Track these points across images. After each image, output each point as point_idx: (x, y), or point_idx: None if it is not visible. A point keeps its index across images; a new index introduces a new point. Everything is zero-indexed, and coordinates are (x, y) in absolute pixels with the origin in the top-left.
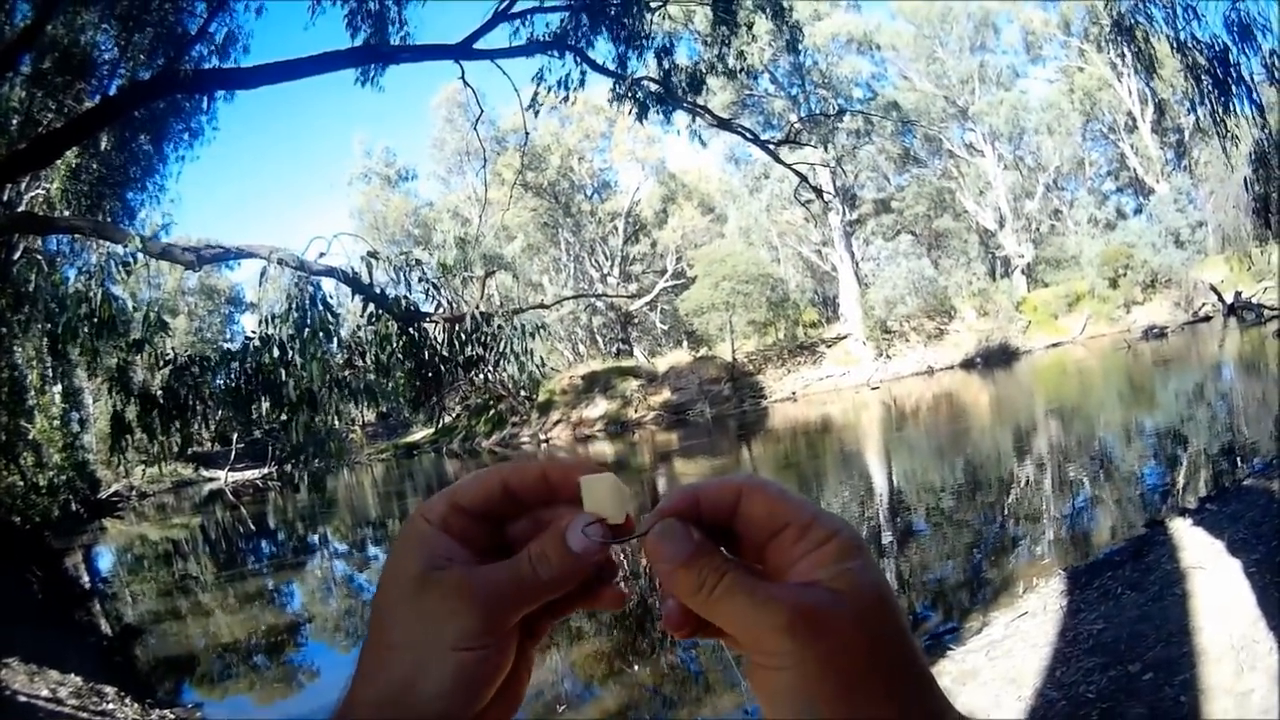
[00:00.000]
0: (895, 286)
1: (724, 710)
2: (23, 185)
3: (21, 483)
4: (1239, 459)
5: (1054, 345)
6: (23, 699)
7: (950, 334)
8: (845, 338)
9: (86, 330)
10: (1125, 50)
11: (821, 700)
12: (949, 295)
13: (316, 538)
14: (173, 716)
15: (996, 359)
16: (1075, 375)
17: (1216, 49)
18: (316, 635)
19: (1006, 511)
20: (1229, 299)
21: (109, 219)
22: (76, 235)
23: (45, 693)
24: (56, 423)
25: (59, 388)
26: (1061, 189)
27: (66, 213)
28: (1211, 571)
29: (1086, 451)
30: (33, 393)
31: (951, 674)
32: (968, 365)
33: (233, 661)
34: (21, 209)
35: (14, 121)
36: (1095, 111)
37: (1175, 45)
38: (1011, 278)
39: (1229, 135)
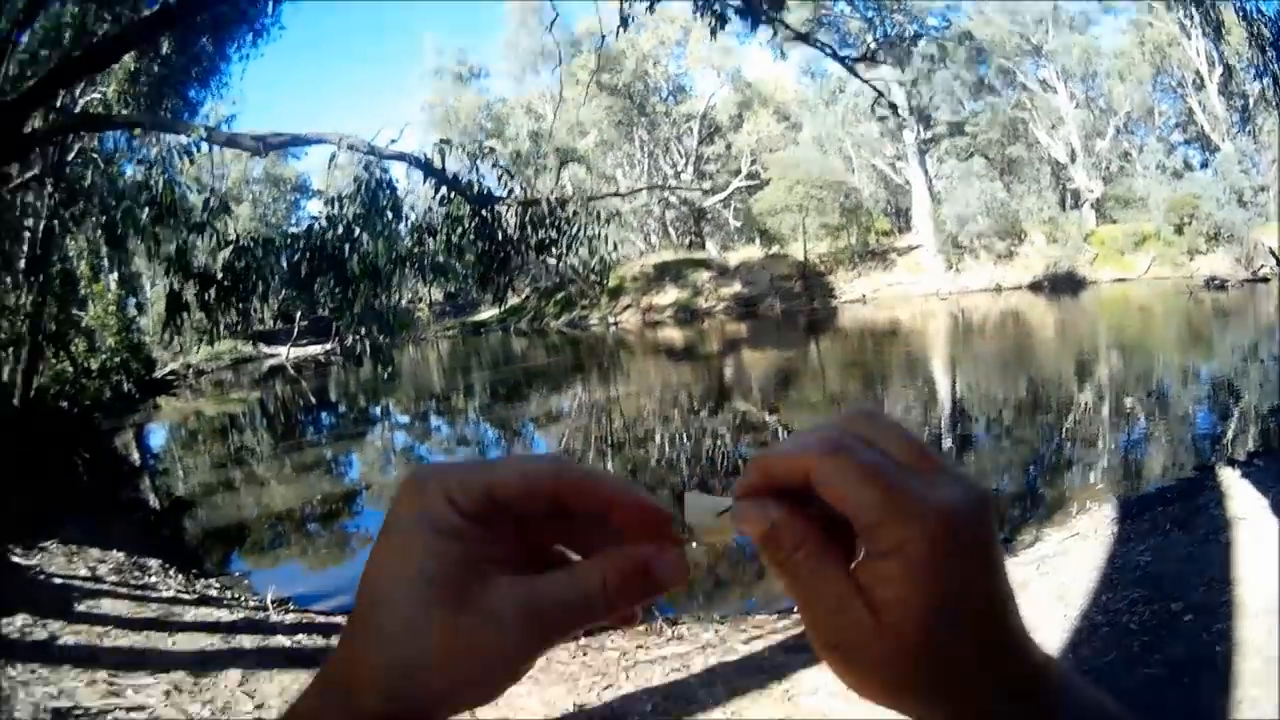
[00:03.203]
0: (968, 205)
1: (775, 595)
2: (77, 91)
3: (72, 369)
4: None
5: (1119, 280)
6: (58, 581)
7: (1019, 256)
8: (917, 248)
9: (147, 216)
10: (1193, 11)
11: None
12: (1019, 219)
13: (378, 410)
14: (218, 585)
15: (1063, 285)
16: (1138, 312)
17: None
18: (373, 503)
19: (1064, 434)
20: None
21: (170, 116)
22: (135, 131)
23: (84, 572)
24: (112, 308)
25: (115, 275)
26: (1131, 133)
27: (125, 112)
28: (1255, 525)
29: (1144, 387)
30: (84, 282)
31: None
32: (1035, 288)
33: (285, 530)
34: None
35: (66, 35)
36: (1165, 65)
37: (1241, 14)
38: (1081, 210)
39: None
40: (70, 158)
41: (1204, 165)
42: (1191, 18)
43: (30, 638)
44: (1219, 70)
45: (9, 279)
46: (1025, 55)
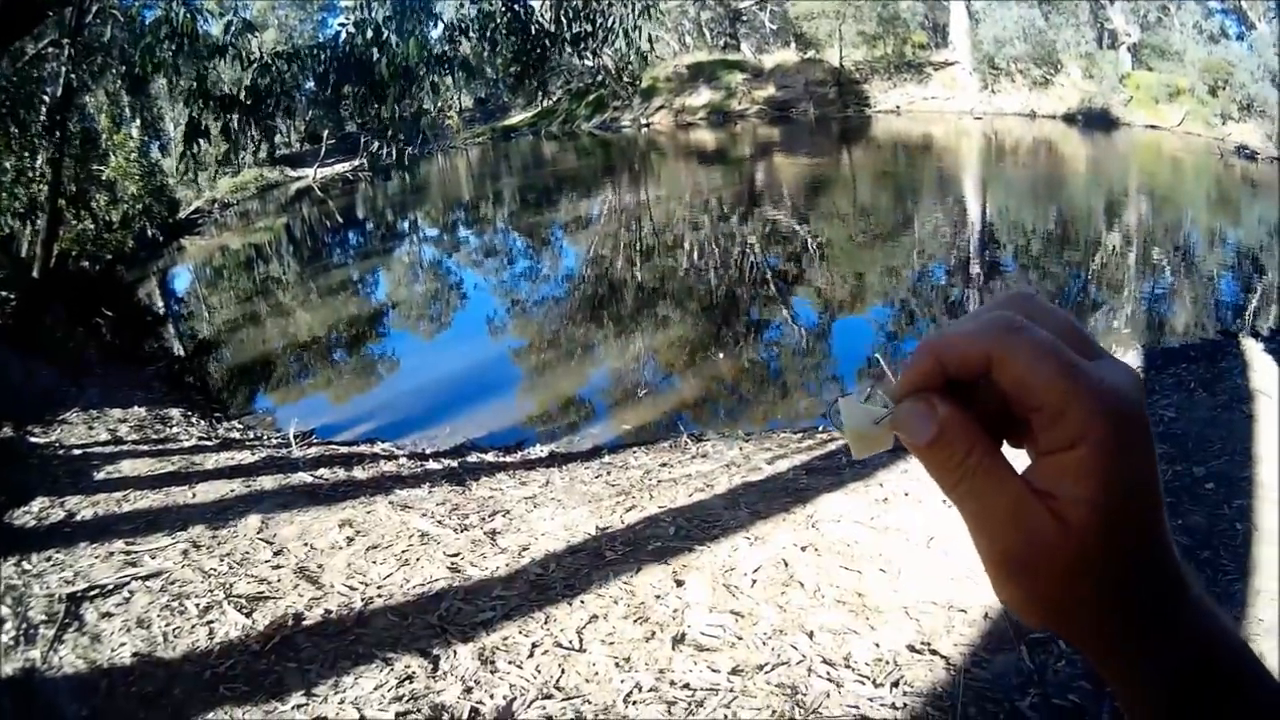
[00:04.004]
0: (1006, 28)
1: (800, 414)
2: None
3: (93, 226)
4: None
5: (1152, 127)
6: (77, 453)
7: (1055, 86)
8: (953, 64)
9: (168, 49)
10: None
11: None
12: (1056, 50)
13: (406, 224)
14: (241, 427)
15: (1097, 122)
16: (1169, 163)
17: None
18: (399, 324)
19: (1090, 274)
20: None
21: None
22: None
23: (104, 436)
24: (134, 155)
25: (137, 122)
26: None
27: None
28: (1277, 403)
29: (1171, 240)
30: (105, 136)
31: None
32: (1069, 120)
33: (310, 361)
34: None
35: None
36: None
37: None
38: (1118, 52)
39: None
40: (88, 20)
41: (1240, 38)
42: None
43: (47, 521)
44: None
45: (26, 150)
46: None
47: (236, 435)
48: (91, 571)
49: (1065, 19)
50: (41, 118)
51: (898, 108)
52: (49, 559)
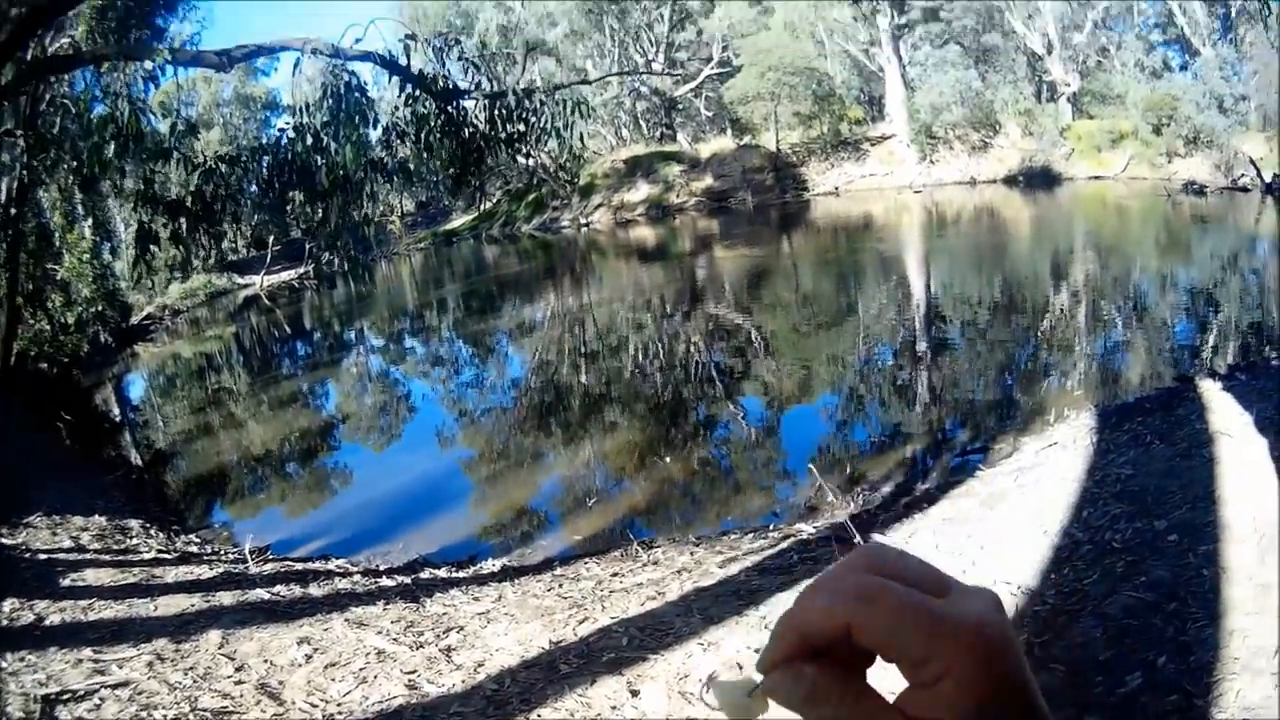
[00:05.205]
0: (942, 94)
1: (752, 512)
2: (47, 39)
3: (49, 327)
4: (1268, 338)
5: (1095, 178)
6: (43, 557)
7: (994, 148)
8: (890, 138)
9: (114, 148)
10: None
11: None
12: (995, 110)
13: (352, 334)
14: (199, 540)
15: (1039, 180)
16: (1115, 211)
17: None
18: (350, 436)
19: (1040, 337)
20: (1268, 178)
21: (137, 44)
22: (104, 64)
23: (67, 543)
24: (86, 256)
25: (89, 222)
26: (1110, 28)
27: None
28: (1238, 442)
29: (1121, 291)
30: (58, 234)
31: (979, 495)
32: (1010, 181)
33: (264, 473)
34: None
35: None
36: None
37: None
38: (1057, 104)
39: (1273, 20)
40: (42, 108)
41: (1183, 68)
42: None
43: (19, 623)
44: None
45: None
46: None
47: (194, 549)
48: (63, 676)
49: (1002, 77)
50: None
51: (836, 189)
52: (22, 659)
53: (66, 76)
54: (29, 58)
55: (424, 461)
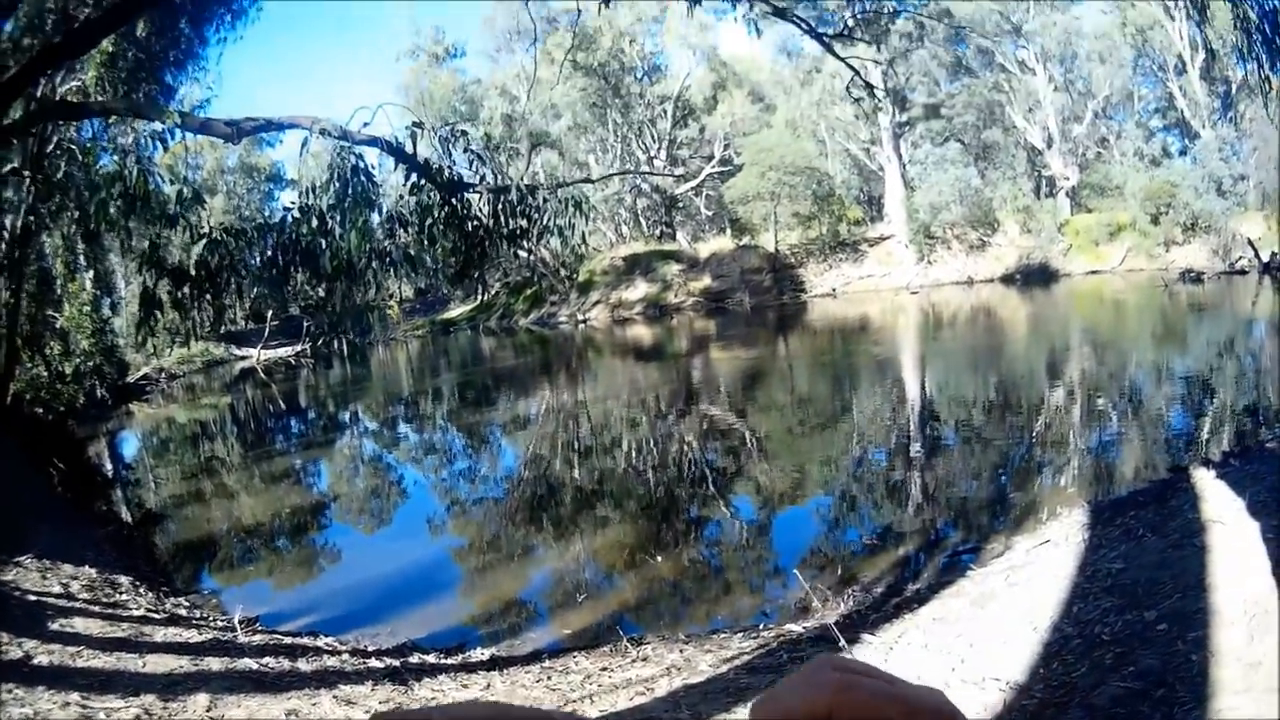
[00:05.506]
0: (941, 193)
1: (742, 611)
2: (57, 79)
3: (46, 373)
4: (1263, 420)
5: (1093, 272)
6: (32, 598)
7: (992, 246)
8: (888, 238)
9: (119, 207)
10: None
11: None
12: (994, 207)
13: (347, 415)
14: (187, 604)
15: (1036, 278)
16: (1112, 306)
17: (1267, 8)
18: (341, 516)
19: (1034, 436)
20: (1265, 258)
21: (146, 101)
22: (112, 117)
23: (57, 589)
24: (86, 308)
25: (90, 274)
26: (1110, 118)
27: (102, 99)
28: (1231, 528)
29: (1117, 386)
30: (60, 281)
31: (970, 595)
32: (1007, 280)
33: (254, 545)
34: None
35: (49, 21)
36: (1146, 48)
37: None
38: (1056, 198)
39: (1273, 95)
40: (49, 150)
41: (1183, 153)
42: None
43: (7, 657)
44: (1201, 54)
45: None
46: (1005, 35)
47: (183, 612)
48: (51, 715)
49: (1002, 173)
50: (1, 248)
51: (834, 290)
52: (10, 692)
53: (75, 124)
54: (39, 95)
55: (414, 547)
